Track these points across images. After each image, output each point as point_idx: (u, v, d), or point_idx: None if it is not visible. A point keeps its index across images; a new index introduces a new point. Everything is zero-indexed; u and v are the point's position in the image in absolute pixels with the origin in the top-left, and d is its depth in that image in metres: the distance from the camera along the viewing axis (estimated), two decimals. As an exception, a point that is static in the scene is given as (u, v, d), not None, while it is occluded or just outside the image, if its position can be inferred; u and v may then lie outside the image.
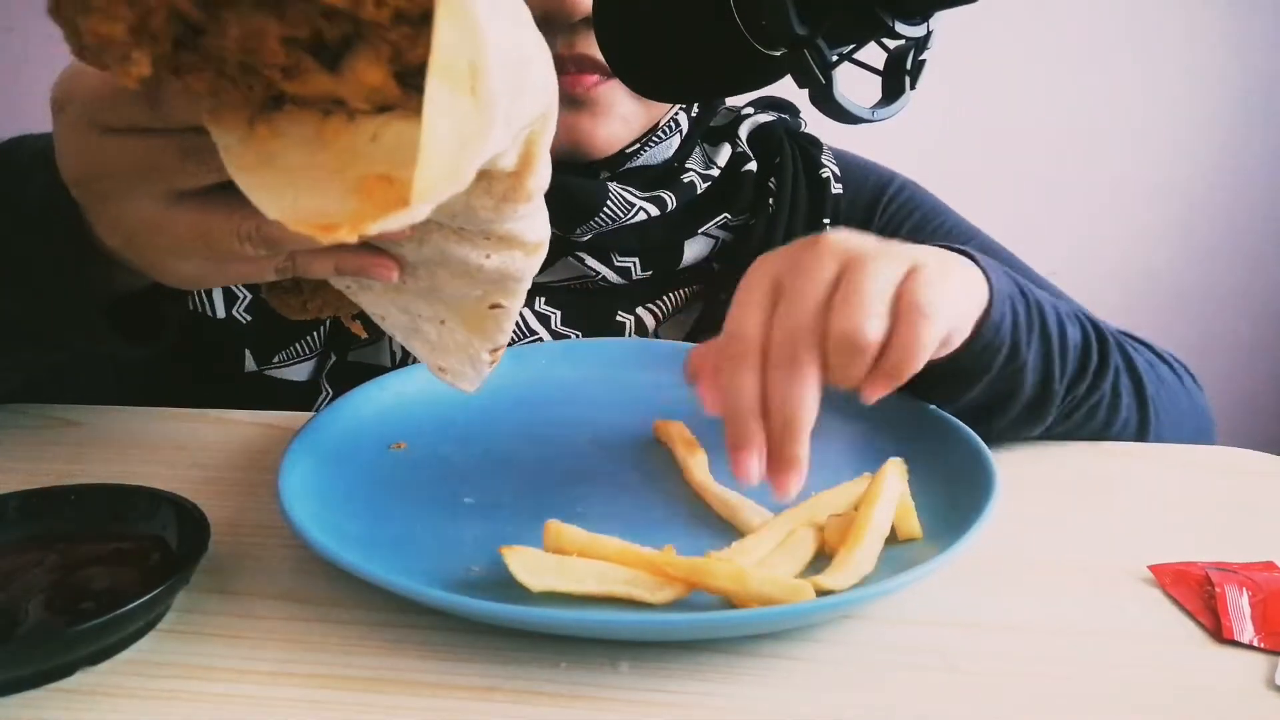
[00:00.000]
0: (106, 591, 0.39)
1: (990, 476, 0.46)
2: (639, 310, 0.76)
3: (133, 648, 0.39)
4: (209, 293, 0.72)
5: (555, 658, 0.38)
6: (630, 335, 0.75)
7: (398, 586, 0.38)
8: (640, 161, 0.75)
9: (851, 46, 0.43)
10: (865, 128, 0.46)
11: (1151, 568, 0.45)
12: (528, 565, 0.39)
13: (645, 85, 0.52)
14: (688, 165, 0.77)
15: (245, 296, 0.73)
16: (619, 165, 0.74)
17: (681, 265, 0.77)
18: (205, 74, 0.30)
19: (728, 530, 0.47)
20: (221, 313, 0.72)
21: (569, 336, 0.74)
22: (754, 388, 0.43)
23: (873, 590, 0.39)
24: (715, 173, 0.78)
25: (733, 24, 0.43)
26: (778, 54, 0.43)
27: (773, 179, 0.78)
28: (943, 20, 0.44)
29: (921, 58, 0.46)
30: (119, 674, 0.37)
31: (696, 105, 0.78)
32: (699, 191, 0.76)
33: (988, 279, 0.52)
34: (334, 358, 0.72)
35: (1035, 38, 1.83)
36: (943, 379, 0.54)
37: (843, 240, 0.47)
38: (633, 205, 0.72)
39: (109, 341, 0.50)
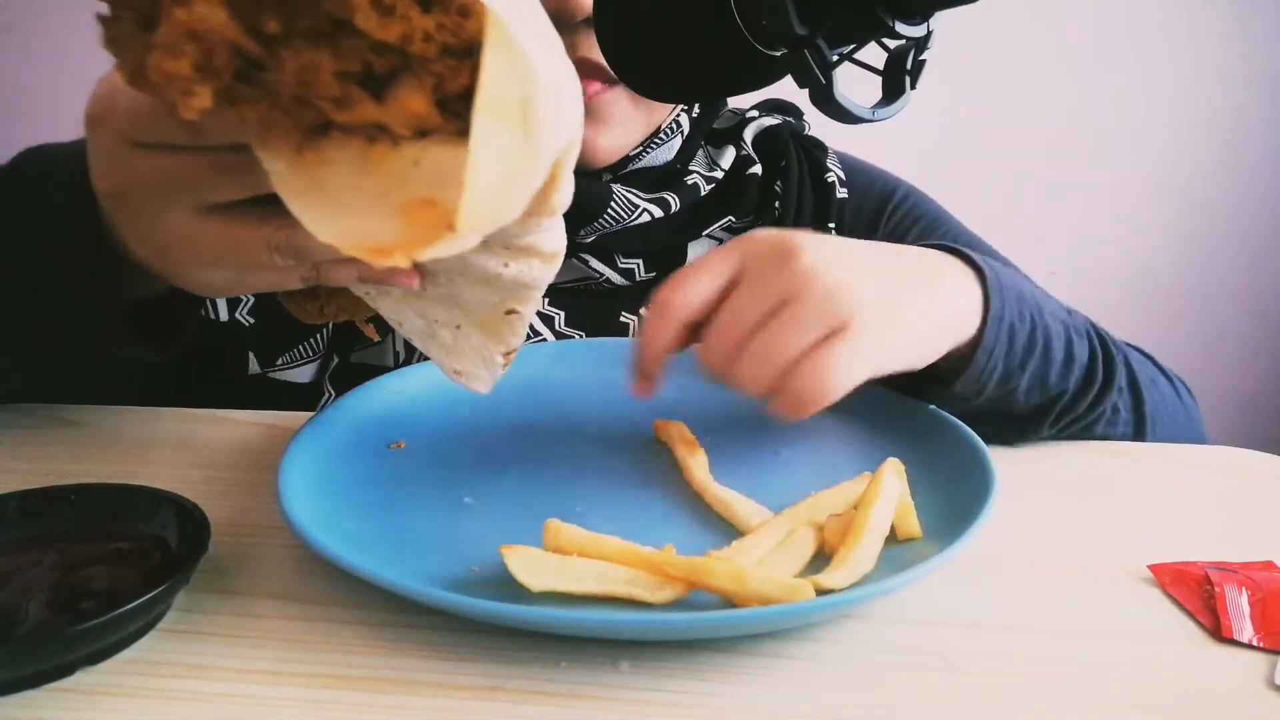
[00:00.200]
0: (106, 591, 0.38)
1: (990, 476, 0.46)
2: (642, 311, 0.76)
3: (133, 647, 0.39)
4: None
5: (556, 657, 0.38)
6: (634, 336, 0.75)
7: (398, 586, 0.38)
8: (642, 163, 0.75)
9: (852, 46, 0.43)
10: (865, 127, 0.46)
11: (1151, 567, 0.45)
12: (528, 565, 0.39)
13: (645, 85, 0.52)
14: (691, 167, 0.77)
15: (248, 299, 0.73)
16: (621, 167, 0.74)
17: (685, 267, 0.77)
18: (260, 105, 0.31)
19: (728, 530, 0.47)
20: (225, 316, 0.72)
21: (573, 337, 0.74)
22: (667, 343, 0.51)
23: (872, 590, 0.39)
24: (719, 175, 0.78)
25: (733, 24, 0.43)
26: (778, 54, 0.43)
27: (778, 182, 0.78)
28: (943, 20, 0.44)
29: (922, 58, 0.46)
30: (119, 674, 0.37)
31: (697, 106, 0.78)
32: (702, 193, 0.76)
33: (986, 301, 0.53)
34: (337, 359, 0.72)
35: (1035, 38, 1.83)
36: (933, 397, 0.56)
37: (811, 265, 0.48)
38: (636, 207, 0.72)
39: (128, 346, 0.50)
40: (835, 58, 0.42)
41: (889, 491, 0.44)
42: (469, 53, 0.30)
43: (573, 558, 0.40)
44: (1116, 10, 1.83)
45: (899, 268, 0.52)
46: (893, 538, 0.44)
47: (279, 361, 0.73)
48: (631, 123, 0.72)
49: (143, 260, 0.44)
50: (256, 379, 0.73)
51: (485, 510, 0.49)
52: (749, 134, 0.81)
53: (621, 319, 0.76)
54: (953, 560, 0.40)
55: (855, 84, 0.44)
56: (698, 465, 0.52)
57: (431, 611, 0.40)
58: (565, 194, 0.38)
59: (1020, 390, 0.56)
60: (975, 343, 0.53)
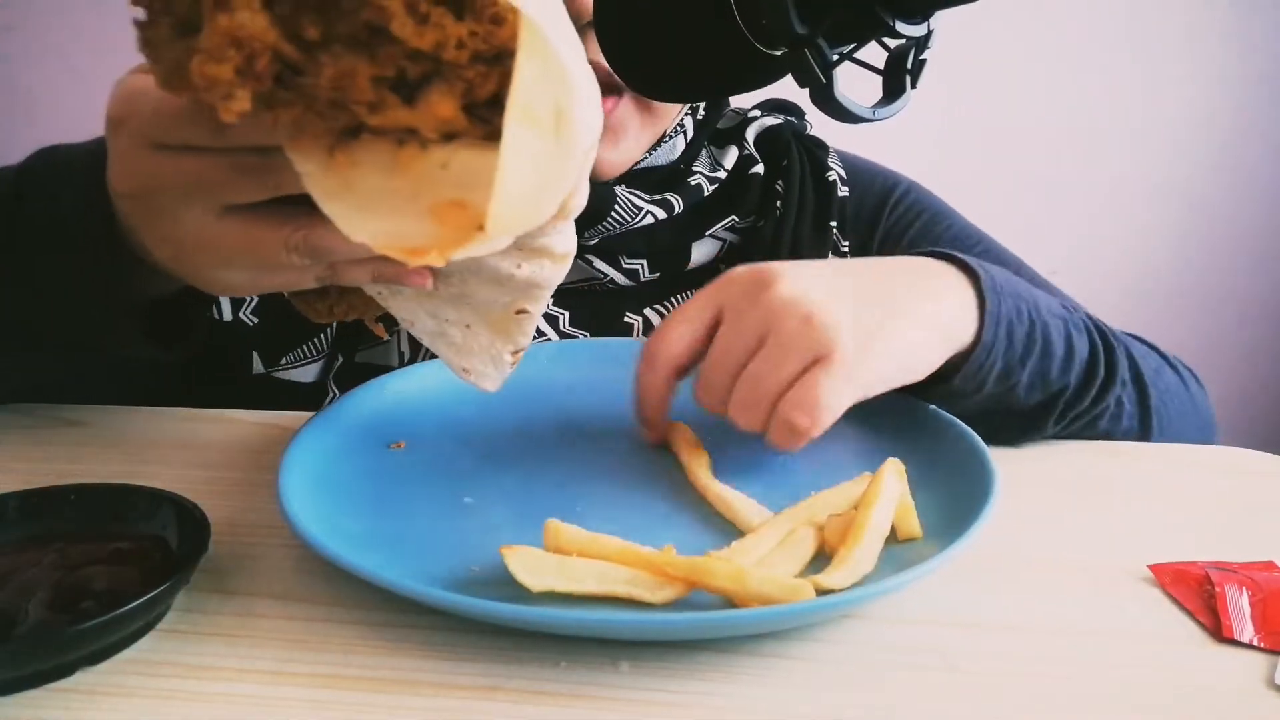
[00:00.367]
0: (106, 591, 0.38)
1: (990, 476, 0.46)
2: (646, 311, 0.76)
3: (133, 647, 0.39)
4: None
5: (556, 657, 0.38)
6: (638, 336, 0.75)
7: (398, 586, 0.38)
8: (646, 164, 0.75)
9: (852, 45, 0.43)
10: (866, 127, 0.46)
11: (1151, 567, 0.45)
12: (528, 565, 0.39)
13: (645, 83, 0.52)
14: (694, 168, 0.77)
15: (252, 299, 0.73)
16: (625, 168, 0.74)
17: (689, 267, 0.77)
18: (294, 108, 0.32)
19: (728, 530, 0.47)
20: (228, 315, 0.72)
21: (577, 338, 0.74)
22: (660, 392, 0.53)
23: (872, 590, 0.39)
24: (722, 175, 0.78)
25: (733, 22, 0.43)
26: (778, 53, 0.43)
27: (780, 182, 0.79)
28: (943, 20, 0.44)
29: (922, 57, 0.46)
30: (119, 674, 0.37)
31: (701, 107, 0.78)
32: (706, 194, 0.76)
33: (981, 302, 0.53)
34: (341, 359, 0.72)
35: (1035, 38, 1.83)
36: (934, 396, 0.56)
37: (788, 293, 0.48)
38: (640, 208, 0.72)
39: (138, 346, 0.50)
40: (835, 57, 0.42)
41: (889, 491, 0.44)
42: (498, 59, 0.31)
43: (573, 558, 0.40)
44: (1115, 10, 1.83)
45: (882, 287, 0.53)
46: (893, 538, 0.44)
47: (283, 361, 0.73)
48: (638, 133, 0.72)
49: (159, 261, 0.44)
50: (258, 379, 0.73)
51: (485, 510, 0.49)
52: (751, 134, 0.81)
53: (626, 319, 0.76)
54: (953, 560, 0.40)
55: (855, 83, 0.44)
56: (701, 467, 0.52)
57: (431, 611, 0.40)
58: (581, 196, 0.39)
59: (1021, 386, 0.56)
60: (973, 343, 0.54)
